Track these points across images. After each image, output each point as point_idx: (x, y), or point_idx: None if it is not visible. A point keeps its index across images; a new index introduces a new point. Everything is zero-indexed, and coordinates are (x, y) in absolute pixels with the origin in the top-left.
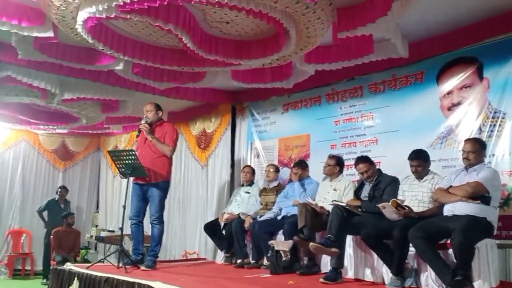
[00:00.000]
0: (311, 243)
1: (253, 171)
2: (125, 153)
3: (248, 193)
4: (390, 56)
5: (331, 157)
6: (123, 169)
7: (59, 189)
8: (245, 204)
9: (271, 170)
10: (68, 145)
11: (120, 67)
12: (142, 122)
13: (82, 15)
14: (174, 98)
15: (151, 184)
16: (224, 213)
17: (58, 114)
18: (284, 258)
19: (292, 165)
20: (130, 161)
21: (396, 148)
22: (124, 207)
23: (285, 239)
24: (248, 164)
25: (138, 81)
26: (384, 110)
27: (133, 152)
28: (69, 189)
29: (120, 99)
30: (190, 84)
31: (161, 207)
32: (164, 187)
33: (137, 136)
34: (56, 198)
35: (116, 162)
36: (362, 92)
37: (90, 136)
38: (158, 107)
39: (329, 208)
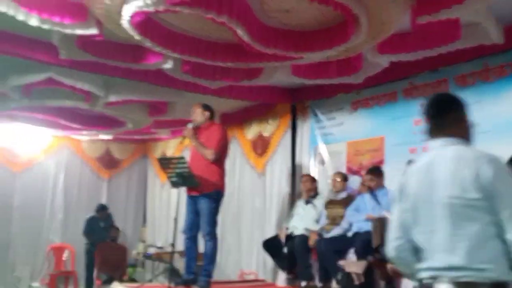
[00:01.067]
0: (389, 264)
1: (313, 180)
2: (175, 161)
3: (312, 204)
4: (481, 43)
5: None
6: (173, 178)
7: (97, 210)
8: (308, 218)
9: (338, 179)
10: (112, 152)
11: (169, 65)
12: (189, 125)
13: (129, 9)
14: (227, 98)
15: (202, 194)
16: (285, 228)
17: (102, 118)
18: (356, 282)
19: (363, 173)
20: (180, 170)
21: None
22: (176, 220)
23: (357, 260)
24: (311, 172)
25: (188, 81)
26: (474, 106)
27: (183, 160)
28: (114, 200)
29: (168, 100)
30: (245, 82)
31: (213, 221)
32: (215, 197)
33: (181, 141)
34: (95, 215)
35: (166, 171)
36: (448, 85)
37: (136, 142)
38: (205, 107)
39: None
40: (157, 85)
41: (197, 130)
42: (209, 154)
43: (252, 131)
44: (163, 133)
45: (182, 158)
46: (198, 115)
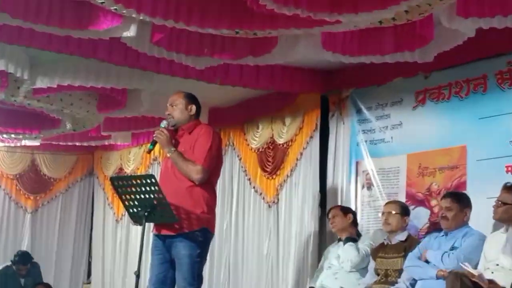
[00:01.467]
0: None
1: (346, 214)
2: (138, 181)
3: (352, 248)
4: None
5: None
6: (135, 209)
7: (15, 260)
8: (346, 272)
9: (394, 211)
10: (41, 167)
11: (130, 33)
12: (162, 124)
13: None
14: (221, 84)
15: (179, 235)
16: None
17: (25, 115)
18: None
19: (434, 201)
20: (147, 195)
21: None
22: (138, 275)
23: None
24: (351, 201)
25: (160, 57)
26: None
27: (152, 180)
28: (42, 242)
29: (129, 87)
30: (249, 60)
31: (195, 275)
32: (201, 240)
33: (149, 151)
34: (11, 267)
35: (123, 197)
36: None
37: (78, 152)
38: (190, 98)
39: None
40: (112, 64)
41: (175, 133)
42: (195, 172)
43: (259, 137)
44: (120, 138)
45: (150, 177)
46: (178, 110)
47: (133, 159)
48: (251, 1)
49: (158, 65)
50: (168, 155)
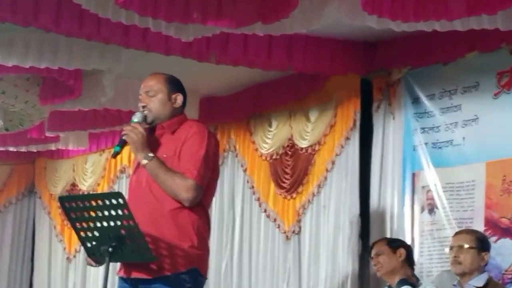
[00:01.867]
0: None
1: (396, 250)
2: (99, 203)
3: None
4: None
5: None
6: (94, 243)
7: None
8: None
9: (467, 245)
10: None
11: None
12: (134, 119)
13: None
14: (217, 63)
15: (156, 280)
16: None
17: None
18: None
19: None
20: (112, 222)
21: None
22: None
23: None
24: (405, 231)
25: (129, 24)
26: None
27: (120, 201)
28: None
29: (85, 68)
30: (257, 28)
31: None
32: (186, 287)
33: (115, 154)
34: None
35: (76, 225)
36: None
37: (12, 160)
38: (173, 85)
39: None
40: (61, 34)
41: (151, 133)
42: (185, 189)
43: (272, 139)
44: (73, 141)
45: (116, 196)
46: (158, 101)
47: (91, 171)
48: None
49: (126, 37)
50: (143, 163)
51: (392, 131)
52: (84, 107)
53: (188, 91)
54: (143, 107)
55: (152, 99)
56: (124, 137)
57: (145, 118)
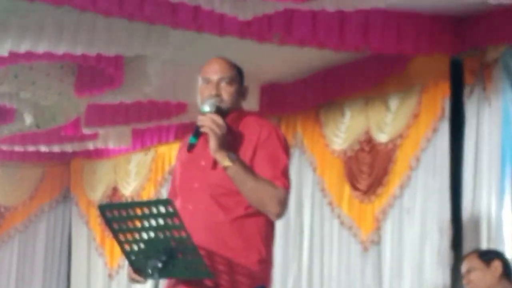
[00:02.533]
0: None
1: (487, 262)
2: (145, 211)
3: None
4: None
5: None
6: (140, 257)
7: None
8: None
9: None
10: None
11: None
12: (206, 108)
13: None
14: (280, 44)
15: None
16: None
17: None
18: None
19: None
20: (161, 234)
21: None
22: None
23: None
24: (506, 243)
25: (177, 0)
26: None
27: (170, 209)
28: None
29: (126, 54)
30: (327, 3)
31: None
32: None
33: (191, 146)
34: None
35: (120, 237)
36: None
37: (44, 162)
38: (242, 74)
39: None
40: (99, 14)
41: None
42: (277, 200)
43: (346, 132)
44: (114, 139)
45: (165, 204)
46: (234, 90)
47: (135, 173)
48: None
49: (174, 16)
50: (226, 165)
51: (487, 121)
52: (126, 99)
53: (246, 77)
54: (216, 95)
55: (228, 89)
56: (203, 129)
57: (219, 109)
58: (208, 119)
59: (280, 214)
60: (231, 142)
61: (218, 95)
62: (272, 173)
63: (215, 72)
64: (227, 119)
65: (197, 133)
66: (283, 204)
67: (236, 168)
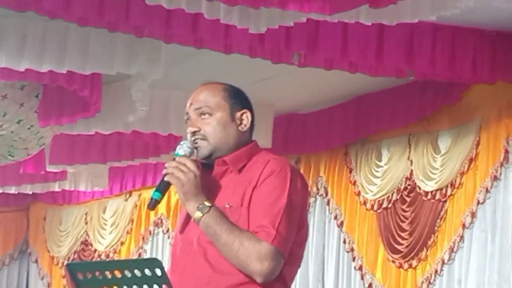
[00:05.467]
0: None
1: None
2: (126, 274)
3: None
4: None
5: None
6: None
7: None
8: None
9: None
10: None
11: None
12: (180, 151)
13: None
14: (301, 66)
15: None
16: None
17: None
18: None
19: None
20: None
21: None
22: None
23: None
24: None
25: (171, 8)
26: None
27: (157, 271)
28: None
29: (107, 72)
30: (362, 15)
31: None
32: None
33: (153, 204)
34: None
35: None
36: None
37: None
38: (235, 97)
39: None
40: (72, 23)
41: (207, 171)
42: (256, 257)
43: (382, 177)
44: (86, 179)
45: (151, 265)
46: (216, 123)
47: (112, 223)
48: None
49: (168, 27)
50: (195, 216)
51: None
52: (104, 130)
53: (257, 107)
54: (194, 132)
55: (208, 121)
56: (166, 178)
57: (196, 150)
58: (174, 164)
59: (264, 274)
60: (232, 185)
61: (195, 132)
62: (259, 223)
63: (192, 101)
64: (226, 158)
65: (161, 184)
66: (267, 261)
67: (207, 219)
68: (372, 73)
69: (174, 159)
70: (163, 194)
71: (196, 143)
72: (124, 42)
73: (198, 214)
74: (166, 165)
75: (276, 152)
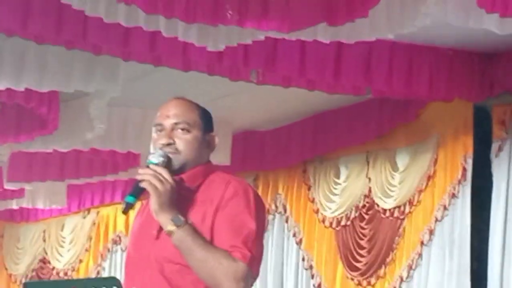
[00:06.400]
0: None
1: None
2: None
3: None
4: None
5: None
6: None
7: None
8: None
9: None
10: None
11: None
12: (153, 159)
13: None
14: (259, 83)
15: None
16: None
17: None
18: None
19: None
20: None
21: None
22: None
23: None
24: None
25: (130, 26)
26: None
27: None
28: None
29: (64, 90)
30: (320, 33)
31: None
32: None
33: (127, 207)
34: None
35: None
36: None
37: None
38: (207, 118)
39: None
40: (30, 40)
41: (179, 184)
42: (232, 275)
43: (341, 195)
44: (44, 197)
45: (108, 283)
46: (193, 139)
47: (70, 241)
48: None
49: (126, 44)
50: (169, 229)
51: None
52: (62, 147)
53: (215, 124)
54: (168, 145)
55: (185, 136)
56: (143, 185)
57: (169, 161)
58: (150, 172)
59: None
60: (187, 204)
61: (170, 144)
62: (232, 241)
63: (168, 116)
64: (184, 175)
65: (136, 190)
66: (240, 281)
67: (182, 234)
68: (330, 90)
69: (147, 166)
70: (137, 199)
71: (168, 154)
72: (82, 59)
73: (171, 227)
74: (141, 171)
75: (235, 169)
